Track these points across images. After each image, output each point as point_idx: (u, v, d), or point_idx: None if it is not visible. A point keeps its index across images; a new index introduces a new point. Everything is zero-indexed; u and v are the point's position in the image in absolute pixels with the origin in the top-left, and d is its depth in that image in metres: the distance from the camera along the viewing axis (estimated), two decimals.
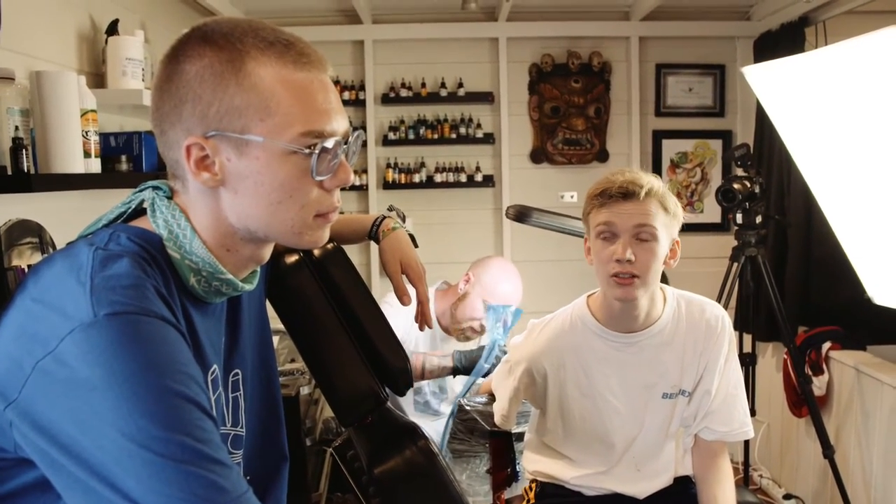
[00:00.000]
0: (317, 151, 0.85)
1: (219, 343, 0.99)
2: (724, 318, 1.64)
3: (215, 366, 0.94)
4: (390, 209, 1.42)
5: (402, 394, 1.36)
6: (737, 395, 1.65)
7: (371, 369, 1.29)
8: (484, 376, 2.13)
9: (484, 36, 3.78)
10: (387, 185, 3.81)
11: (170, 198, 0.93)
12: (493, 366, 2.10)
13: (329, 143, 0.86)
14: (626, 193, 1.49)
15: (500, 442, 2.03)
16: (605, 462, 1.67)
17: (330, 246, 1.34)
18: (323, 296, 1.29)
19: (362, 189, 3.82)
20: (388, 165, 3.81)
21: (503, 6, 3.46)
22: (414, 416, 2.50)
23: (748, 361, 2.91)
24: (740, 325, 2.99)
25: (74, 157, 1.83)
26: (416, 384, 2.47)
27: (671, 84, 3.76)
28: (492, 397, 1.93)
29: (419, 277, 1.37)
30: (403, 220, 1.45)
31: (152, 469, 0.71)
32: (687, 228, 3.77)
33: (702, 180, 3.80)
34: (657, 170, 3.77)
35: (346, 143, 0.90)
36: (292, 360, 2.58)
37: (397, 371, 1.31)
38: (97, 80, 2.37)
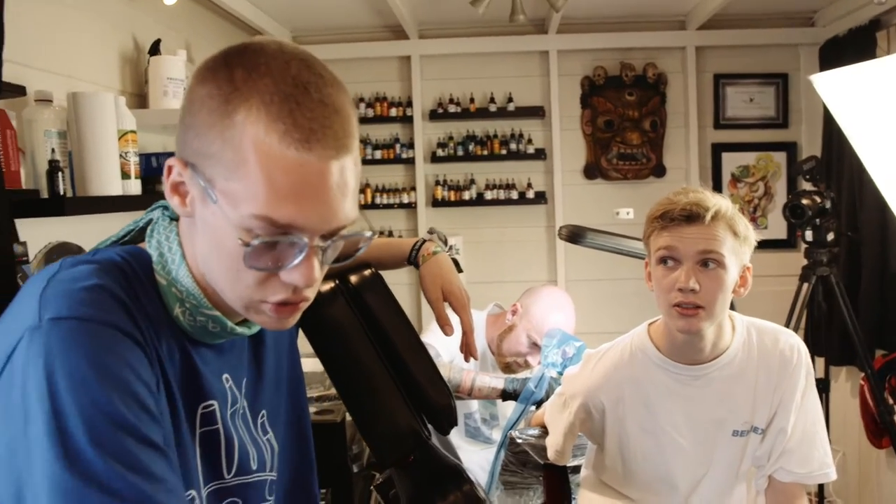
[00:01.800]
0: (252, 243, 0.73)
1: (220, 381, 0.90)
2: (799, 349, 1.49)
3: (213, 402, 0.86)
4: (431, 232, 1.32)
5: (446, 433, 1.25)
6: (816, 433, 1.50)
7: (411, 406, 1.19)
8: (537, 405, 2.01)
9: (534, 49, 3.68)
10: (436, 203, 3.73)
11: (175, 219, 0.86)
12: (548, 394, 1.97)
13: (276, 239, 0.73)
14: (690, 216, 1.36)
15: (554, 475, 1.91)
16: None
17: (367, 272, 1.25)
18: (359, 326, 1.20)
19: (411, 207, 3.75)
20: (437, 182, 3.73)
21: (553, 18, 3.36)
22: (464, 443, 2.39)
23: (821, 387, 2.72)
24: (812, 348, 2.79)
25: (111, 178, 1.80)
26: (467, 409, 2.37)
27: (730, 95, 3.59)
28: (544, 430, 1.81)
29: (462, 305, 1.27)
30: (445, 243, 1.34)
31: (75, 499, 0.64)
32: None
33: (765, 195, 3.61)
34: (717, 184, 3.61)
35: (325, 242, 0.76)
36: None
37: (440, 408, 1.21)
38: (139, 100, 2.35)
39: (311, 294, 0.80)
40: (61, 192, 1.67)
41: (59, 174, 1.69)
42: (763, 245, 3.58)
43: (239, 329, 0.86)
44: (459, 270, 1.34)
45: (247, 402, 0.96)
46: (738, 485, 1.53)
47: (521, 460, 2.03)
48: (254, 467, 0.94)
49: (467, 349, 1.28)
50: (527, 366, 2.27)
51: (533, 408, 2.01)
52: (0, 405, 0.68)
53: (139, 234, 0.88)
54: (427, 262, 1.29)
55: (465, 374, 2.06)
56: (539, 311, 2.23)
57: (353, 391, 1.19)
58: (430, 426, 1.23)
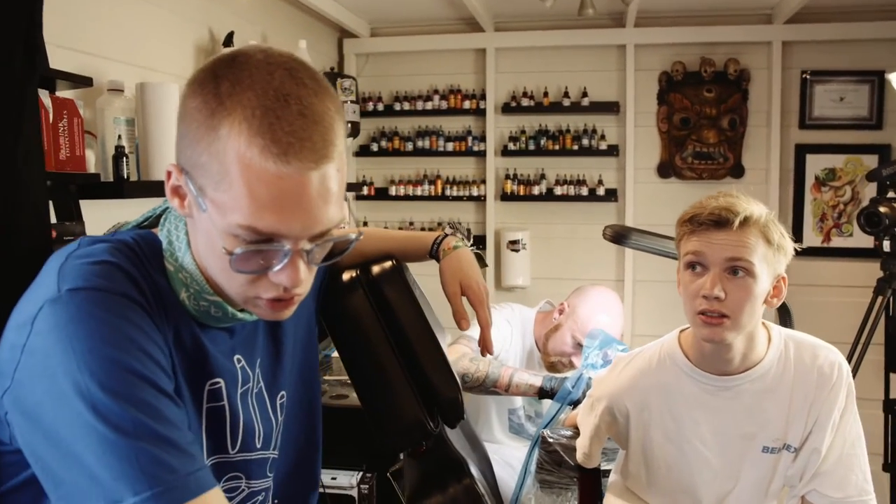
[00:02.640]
0: (235, 252, 0.79)
1: (230, 361, 0.95)
2: (840, 366, 1.42)
3: (220, 380, 0.92)
4: (452, 227, 1.33)
5: (453, 426, 1.27)
6: (854, 456, 1.42)
7: (419, 398, 1.21)
8: (574, 405, 1.99)
9: (611, 43, 3.60)
10: (505, 197, 3.72)
11: None
12: (584, 395, 1.95)
13: (260, 247, 0.79)
14: (719, 221, 1.31)
15: (588, 477, 1.89)
16: None
17: (388, 264, 1.28)
18: (375, 317, 1.23)
19: (480, 200, 3.76)
20: (507, 176, 3.73)
21: (630, 11, 3.28)
22: (507, 438, 2.40)
23: None
24: (887, 364, 2.64)
25: None
26: (511, 405, 2.37)
27: (819, 93, 3.41)
28: (577, 431, 1.79)
29: (479, 301, 1.27)
30: (469, 238, 1.35)
31: (106, 444, 0.72)
32: (834, 254, 3.45)
33: (852, 200, 3.42)
34: (799, 187, 3.44)
35: (310, 244, 0.81)
36: None
37: (446, 401, 1.23)
38: None
39: (302, 290, 0.85)
40: (124, 176, 1.78)
41: (124, 159, 1.81)
42: (847, 254, 3.43)
43: (240, 315, 0.91)
44: (483, 265, 1.35)
45: (264, 382, 1.01)
46: None
47: (555, 460, 2.02)
48: (258, 445, 1.00)
49: (483, 344, 1.28)
50: (571, 366, 2.26)
51: (569, 408, 1.99)
52: (27, 367, 0.75)
53: (156, 221, 0.95)
54: (447, 257, 1.29)
55: (504, 370, 2.06)
56: (585, 312, 2.21)
57: (363, 380, 1.23)
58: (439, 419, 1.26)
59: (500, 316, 2.29)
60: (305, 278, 0.83)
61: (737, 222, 1.29)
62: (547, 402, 2.34)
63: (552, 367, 2.28)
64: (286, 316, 0.89)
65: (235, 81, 0.76)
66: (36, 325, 0.75)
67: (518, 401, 2.37)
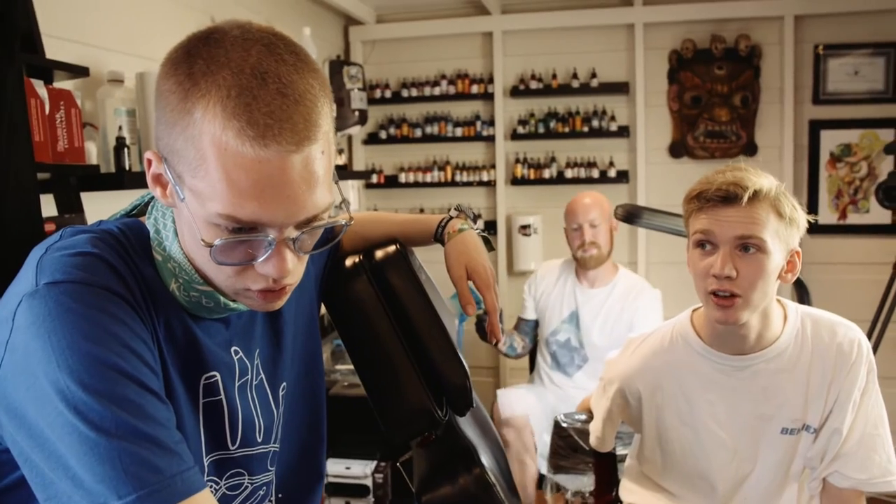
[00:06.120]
0: (215, 243, 0.74)
1: (227, 353, 0.92)
2: (860, 343, 1.37)
3: (216, 373, 0.88)
4: (458, 209, 1.29)
5: (462, 414, 1.24)
6: (877, 436, 1.38)
7: (426, 386, 1.18)
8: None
9: (619, 22, 3.54)
10: (515, 181, 3.69)
11: None
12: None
13: (241, 238, 0.74)
14: (727, 197, 1.26)
15: (604, 463, 1.86)
16: (710, 502, 1.46)
17: (392, 248, 1.24)
18: (379, 303, 1.20)
19: (490, 185, 3.73)
20: (517, 160, 3.69)
21: None
22: (552, 372, 2.78)
23: None
24: None
25: None
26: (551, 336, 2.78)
27: (833, 67, 3.33)
28: (591, 415, 1.77)
29: (486, 285, 1.22)
30: (475, 220, 1.31)
31: (87, 445, 0.68)
32: (850, 231, 3.39)
33: (868, 176, 3.34)
34: (814, 164, 3.37)
35: (297, 232, 0.76)
36: None
37: (454, 388, 1.20)
38: None
39: (292, 280, 0.81)
40: (125, 167, 1.77)
41: (125, 150, 1.79)
42: (864, 230, 3.37)
43: (233, 305, 0.87)
44: (491, 249, 1.31)
45: (265, 374, 0.98)
46: (788, 486, 1.44)
47: (570, 445, 2.01)
48: (259, 439, 0.96)
49: (491, 329, 1.25)
50: (583, 244, 2.72)
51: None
52: (10, 364, 0.72)
53: (145, 209, 0.91)
54: (452, 240, 1.24)
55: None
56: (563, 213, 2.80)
57: (368, 368, 1.20)
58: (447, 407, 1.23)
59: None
60: (293, 268, 0.78)
61: (746, 197, 1.25)
62: (586, 333, 2.75)
63: (583, 261, 2.75)
64: (279, 306, 0.85)
65: (210, 59, 0.71)
66: (16, 321, 0.72)
67: (557, 338, 2.78)
